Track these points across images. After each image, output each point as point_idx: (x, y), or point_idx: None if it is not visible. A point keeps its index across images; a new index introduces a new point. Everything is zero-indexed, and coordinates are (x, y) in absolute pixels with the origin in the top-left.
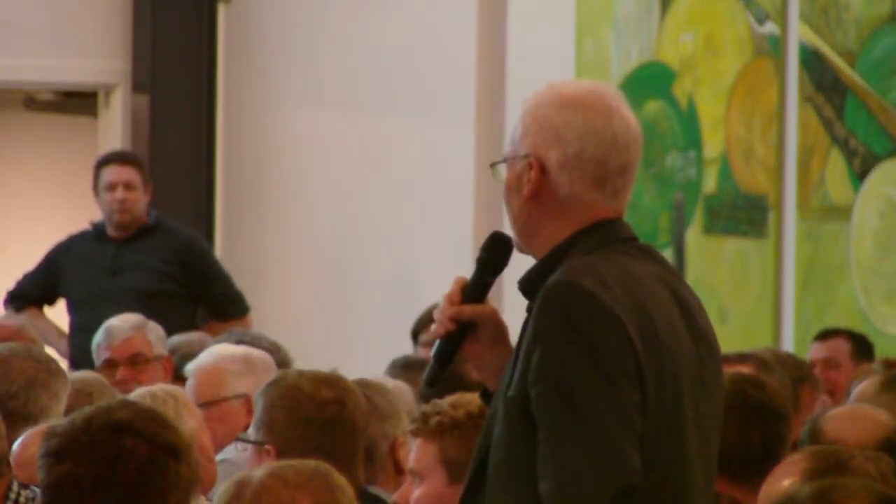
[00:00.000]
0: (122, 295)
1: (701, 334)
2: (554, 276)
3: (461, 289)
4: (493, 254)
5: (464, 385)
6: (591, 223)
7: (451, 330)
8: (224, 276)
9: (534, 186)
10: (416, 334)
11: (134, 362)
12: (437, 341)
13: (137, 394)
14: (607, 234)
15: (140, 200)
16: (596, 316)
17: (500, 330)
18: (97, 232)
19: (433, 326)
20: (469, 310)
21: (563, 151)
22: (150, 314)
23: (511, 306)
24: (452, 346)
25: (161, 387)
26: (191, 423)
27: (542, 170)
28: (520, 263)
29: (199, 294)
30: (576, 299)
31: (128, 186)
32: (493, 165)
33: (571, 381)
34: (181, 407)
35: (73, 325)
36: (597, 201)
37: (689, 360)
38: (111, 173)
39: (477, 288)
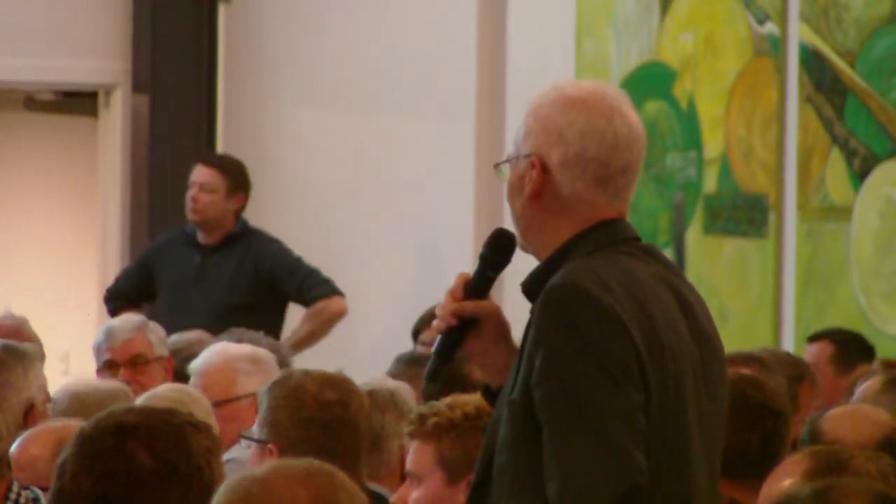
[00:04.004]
0: (198, 309)
1: (703, 334)
2: (555, 278)
3: (463, 285)
4: (496, 250)
5: (465, 386)
6: (593, 223)
7: (453, 325)
8: (306, 267)
9: (536, 186)
10: (416, 333)
11: (135, 363)
12: (439, 337)
13: (173, 395)
14: (609, 235)
15: (216, 205)
16: (597, 317)
17: (503, 327)
18: (186, 237)
19: (435, 322)
20: (471, 306)
21: (564, 151)
22: (224, 328)
23: (512, 307)
24: (453, 341)
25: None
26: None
27: (544, 169)
28: (520, 264)
29: (281, 294)
30: (577, 301)
31: (203, 188)
32: (496, 166)
33: (575, 382)
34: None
35: None
36: (599, 201)
37: (691, 359)
38: (194, 172)
39: (479, 284)
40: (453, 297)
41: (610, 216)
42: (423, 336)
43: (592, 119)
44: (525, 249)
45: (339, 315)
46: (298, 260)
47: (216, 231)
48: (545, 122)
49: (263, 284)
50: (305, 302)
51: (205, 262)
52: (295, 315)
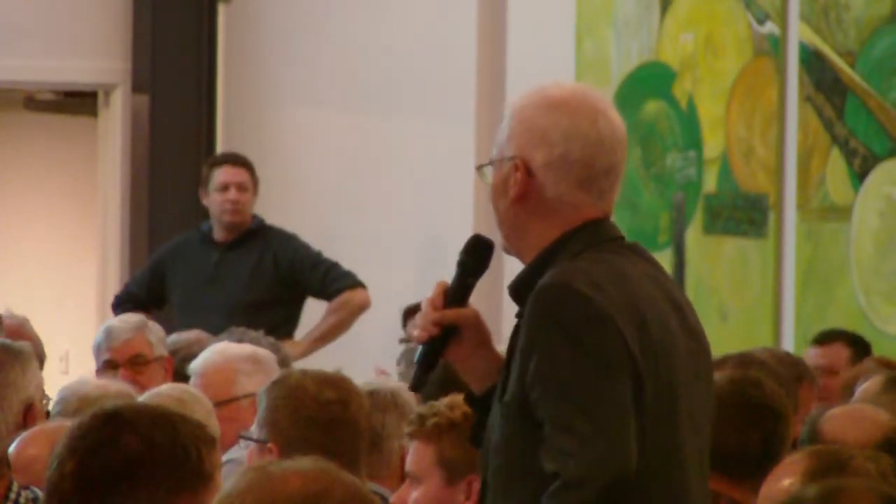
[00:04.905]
0: (217, 306)
1: (692, 330)
2: (544, 278)
3: (443, 293)
4: (474, 256)
5: (462, 386)
6: (579, 224)
7: (435, 334)
8: (327, 261)
9: (520, 188)
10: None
11: (134, 363)
12: (420, 346)
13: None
14: (595, 235)
15: (250, 203)
16: (588, 316)
17: (483, 333)
18: (203, 235)
19: (416, 333)
20: (452, 314)
21: (548, 153)
22: (243, 325)
23: (509, 309)
24: (435, 350)
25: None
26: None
27: (528, 171)
28: (515, 265)
29: (300, 289)
30: (567, 300)
31: (240, 188)
32: (479, 168)
33: (571, 378)
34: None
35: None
36: (583, 202)
37: (682, 355)
38: (225, 174)
39: (459, 291)
40: (433, 305)
41: (595, 216)
42: (406, 334)
43: (576, 121)
44: (508, 252)
45: (363, 307)
46: (319, 254)
47: (238, 229)
48: (529, 124)
49: (282, 280)
50: (329, 295)
51: (222, 259)
52: (309, 312)
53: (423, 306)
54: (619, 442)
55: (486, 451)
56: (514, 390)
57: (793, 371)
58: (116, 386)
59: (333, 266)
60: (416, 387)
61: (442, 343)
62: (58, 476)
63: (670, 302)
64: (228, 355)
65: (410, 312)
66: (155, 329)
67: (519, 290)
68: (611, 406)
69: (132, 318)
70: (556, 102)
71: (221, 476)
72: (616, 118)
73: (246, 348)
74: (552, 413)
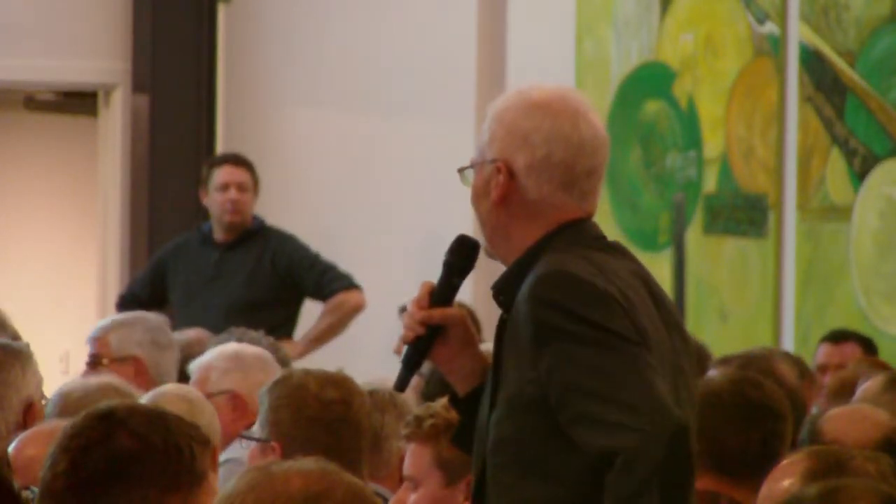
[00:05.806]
0: (216, 306)
1: (677, 326)
2: (538, 268)
3: (429, 293)
4: (460, 256)
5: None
6: (561, 224)
7: (421, 334)
8: (324, 262)
9: (502, 190)
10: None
11: (91, 363)
12: (406, 347)
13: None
14: (577, 234)
15: (250, 203)
16: (593, 298)
17: (469, 333)
18: (203, 236)
19: (402, 333)
20: (438, 314)
21: (531, 155)
22: (242, 325)
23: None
24: (421, 350)
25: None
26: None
27: (510, 174)
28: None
29: (298, 290)
30: (569, 285)
31: (240, 188)
32: (461, 171)
33: (592, 353)
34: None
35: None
36: (566, 204)
37: (665, 349)
38: (225, 174)
39: (445, 291)
40: (419, 305)
41: (577, 216)
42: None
43: (558, 123)
44: (491, 255)
45: (358, 309)
46: (317, 255)
47: (238, 229)
48: (510, 127)
49: (281, 280)
50: (324, 296)
51: (222, 259)
52: (308, 313)
53: (409, 306)
54: (664, 398)
55: (479, 450)
56: (517, 385)
57: (792, 371)
58: (112, 385)
59: (330, 267)
60: (400, 387)
61: (428, 343)
62: (51, 475)
63: (653, 298)
64: (213, 353)
65: (402, 312)
66: (127, 332)
67: (502, 292)
68: (643, 368)
69: (114, 318)
70: (538, 105)
71: (217, 476)
72: (597, 121)
73: (232, 346)
74: (586, 389)
